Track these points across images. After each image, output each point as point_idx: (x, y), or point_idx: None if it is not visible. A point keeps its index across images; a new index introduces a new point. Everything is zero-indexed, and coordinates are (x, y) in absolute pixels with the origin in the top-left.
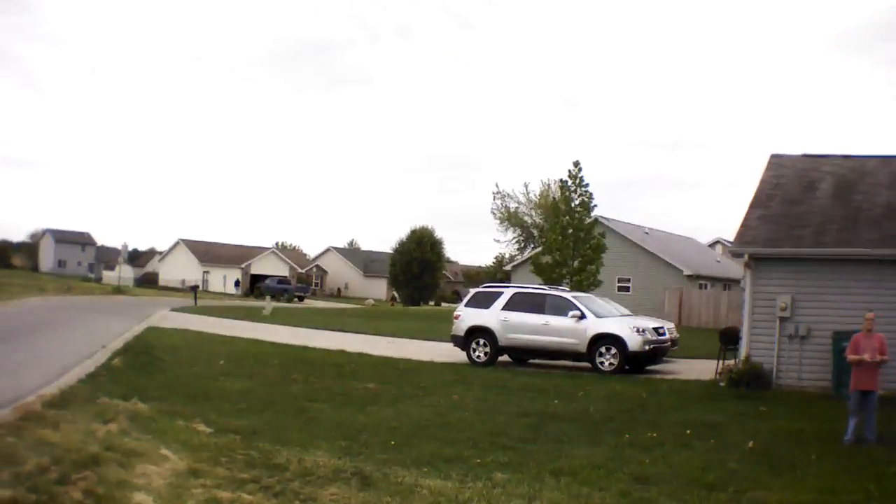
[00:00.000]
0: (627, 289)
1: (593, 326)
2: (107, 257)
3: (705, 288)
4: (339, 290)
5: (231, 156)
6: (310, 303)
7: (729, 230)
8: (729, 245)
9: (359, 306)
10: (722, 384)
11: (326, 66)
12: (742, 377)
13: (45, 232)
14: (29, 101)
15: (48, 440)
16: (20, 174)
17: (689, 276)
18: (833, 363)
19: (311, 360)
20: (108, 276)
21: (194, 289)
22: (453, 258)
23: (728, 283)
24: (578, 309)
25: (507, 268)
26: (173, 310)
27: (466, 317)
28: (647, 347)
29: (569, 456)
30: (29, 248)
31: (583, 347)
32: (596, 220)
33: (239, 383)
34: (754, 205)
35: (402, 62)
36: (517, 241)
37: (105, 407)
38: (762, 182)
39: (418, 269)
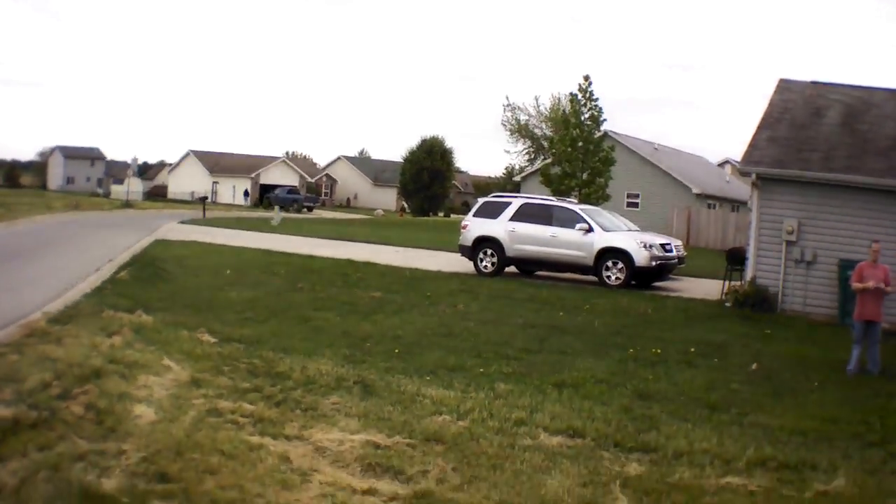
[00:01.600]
0: (636, 204)
1: (600, 240)
2: (116, 172)
3: (714, 208)
4: (348, 199)
5: (240, 65)
6: (319, 213)
7: (738, 152)
8: (737, 164)
9: (368, 216)
10: (727, 304)
11: None
12: (747, 298)
13: (53, 149)
14: (37, 21)
15: (51, 356)
16: (28, 93)
17: (698, 195)
18: (839, 291)
19: (318, 269)
20: (117, 190)
21: (203, 200)
22: (463, 168)
23: (736, 204)
24: (586, 222)
25: (517, 178)
26: (181, 222)
27: (474, 227)
28: (653, 263)
29: (572, 368)
30: (38, 167)
31: (590, 260)
32: (605, 134)
33: (244, 293)
34: (763, 126)
35: None
36: (527, 153)
37: (109, 320)
38: (770, 105)
39: (428, 179)
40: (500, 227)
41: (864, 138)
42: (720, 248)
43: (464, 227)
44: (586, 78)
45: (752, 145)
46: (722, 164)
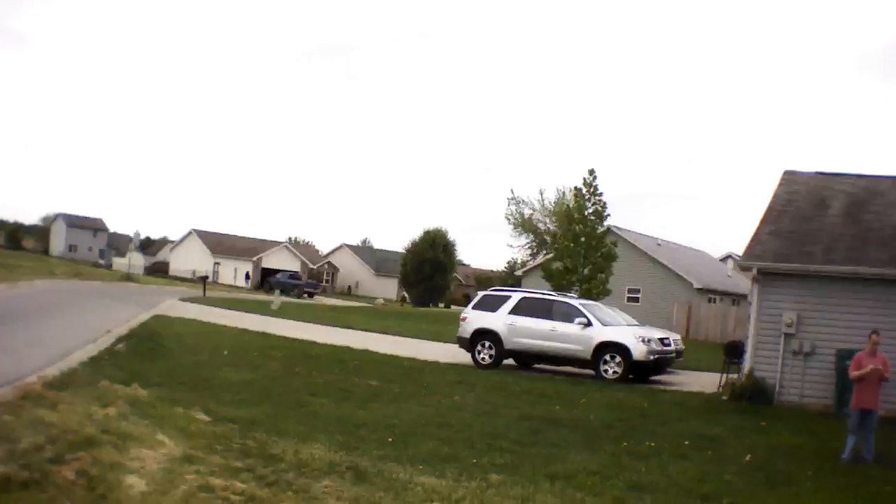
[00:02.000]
0: (637, 299)
1: (599, 334)
2: (118, 244)
3: (714, 302)
4: (349, 287)
5: (246, 148)
6: (320, 299)
7: (741, 246)
8: (738, 260)
9: (369, 305)
10: (724, 397)
11: (344, 65)
12: (744, 391)
13: (56, 216)
14: (44, 85)
15: (45, 420)
16: (33, 157)
17: (699, 290)
18: (836, 381)
19: (316, 355)
20: (119, 262)
21: (204, 279)
22: (466, 261)
23: (737, 298)
24: (585, 316)
25: (519, 273)
26: (182, 299)
27: (473, 319)
28: (651, 357)
29: (565, 460)
30: (41, 232)
31: (587, 354)
32: (608, 229)
33: (241, 374)
34: (765, 220)
35: (420, 62)
36: (530, 247)
37: (105, 391)
38: (774, 198)
39: (430, 271)
40: (498, 320)
41: (867, 228)
42: (720, 342)
43: (463, 320)
44: (591, 172)
45: (754, 240)
46: (724, 259)
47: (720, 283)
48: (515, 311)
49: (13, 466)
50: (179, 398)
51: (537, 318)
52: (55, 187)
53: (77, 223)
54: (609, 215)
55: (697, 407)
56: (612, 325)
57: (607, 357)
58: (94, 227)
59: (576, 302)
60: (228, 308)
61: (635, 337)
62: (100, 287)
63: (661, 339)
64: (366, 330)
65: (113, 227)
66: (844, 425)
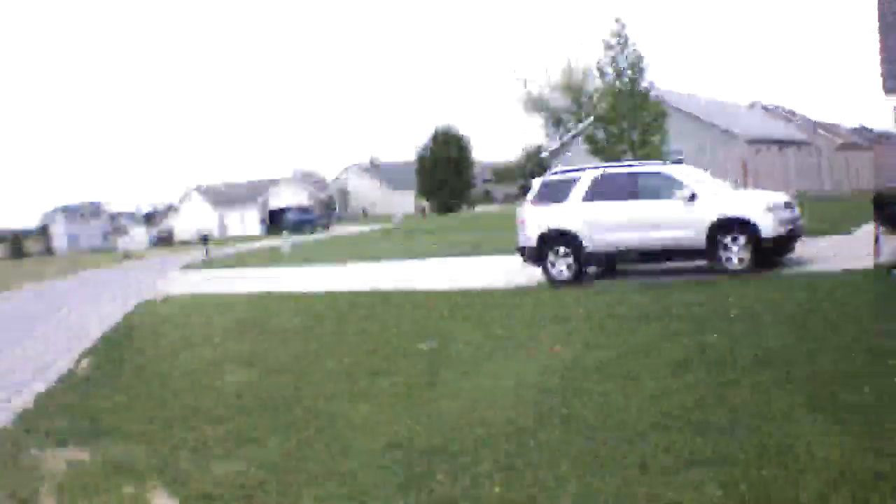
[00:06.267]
0: (680, 161)
1: (712, 209)
2: (121, 224)
3: (761, 153)
4: (363, 210)
5: (233, 87)
6: (336, 229)
7: (764, 91)
8: (773, 108)
9: (389, 226)
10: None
11: None
12: None
13: (55, 211)
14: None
15: None
16: (22, 159)
17: (749, 142)
18: None
19: (337, 314)
20: (124, 241)
21: (205, 239)
22: (478, 158)
23: (781, 144)
24: (687, 187)
25: (544, 155)
26: (183, 267)
27: (535, 218)
28: (783, 230)
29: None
30: (40, 232)
31: (700, 240)
32: (651, 84)
33: (236, 374)
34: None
35: None
36: (545, 128)
37: (30, 469)
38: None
39: (447, 173)
40: (572, 214)
41: None
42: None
43: (521, 222)
44: (618, 20)
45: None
46: (751, 106)
47: (764, 132)
48: (591, 196)
49: None
50: (136, 459)
51: (622, 200)
52: (51, 184)
53: (76, 212)
54: (648, 66)
55: (883, 293)
56: (724, 194)
57: (728, 240)
58: (92, 212)
59: (669, 169)
60: (234, 267)
61: (761, 206)
62: (91, 276)
63: (787, 204)
64: (391, 258)
65: (116, 207)
66: None
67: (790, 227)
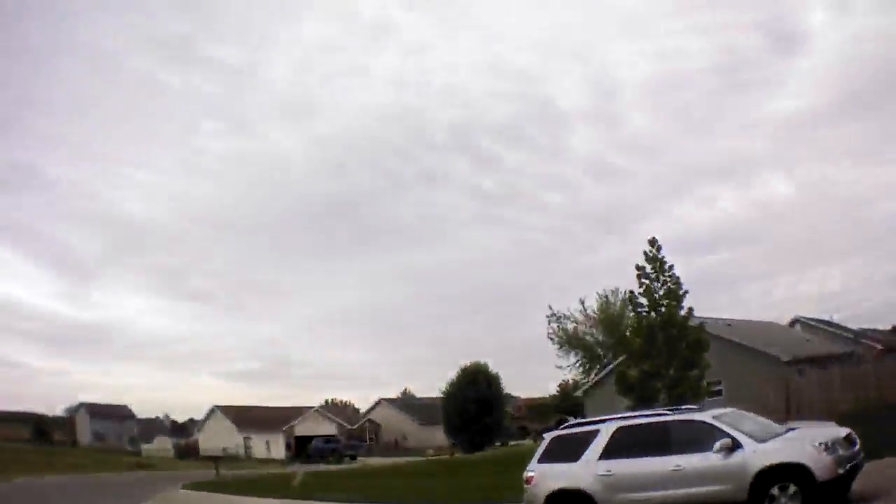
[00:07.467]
0: (719, 392)
1: (757, 458)
2: (147, 430)
3: (803, 374)
4: (395, 441)
5: (268, 313)
6: (364, 460)
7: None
8: (809, 321)
9: (417, 459)
10: None
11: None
12: None
13: (79, 406)
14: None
15: None
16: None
17: (788, 362)
18: None
19: None
20: (148, 448)
21: (216, 459)
22: (514, 393)
23: (822, 362)
24: (728, 436)
25: (578, 394)
26: (186, 486)
27: (545, 477)
28: (842, 470)
29: None
30: (66, 423)
31: (742, 494)
32: (691, 311)
33: None
34: None
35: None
36: (581, 364)
37: None
38: None
39: (476, 410)
40: (586, 473)
41: None
42: (827, 415)
43: (528, 481)
44: (652, 242)
45: None
46: (792, 324)
47: (805, 350)
48: (610, 452)
49: None
50: None
51: (648, 455)
52: (74, 378)
53: (100, 412)
54: (687, 292)
55: None
56: (768, 439)
57: (776, 490)
58: (120, 414)
59: (705, 416)
60: (235, 494)
61: (813, 447)
62: (101, 480)
63: (847, 438)
64: (399, 501)
65: (141, 413)
66: None
67: (850, 464)
